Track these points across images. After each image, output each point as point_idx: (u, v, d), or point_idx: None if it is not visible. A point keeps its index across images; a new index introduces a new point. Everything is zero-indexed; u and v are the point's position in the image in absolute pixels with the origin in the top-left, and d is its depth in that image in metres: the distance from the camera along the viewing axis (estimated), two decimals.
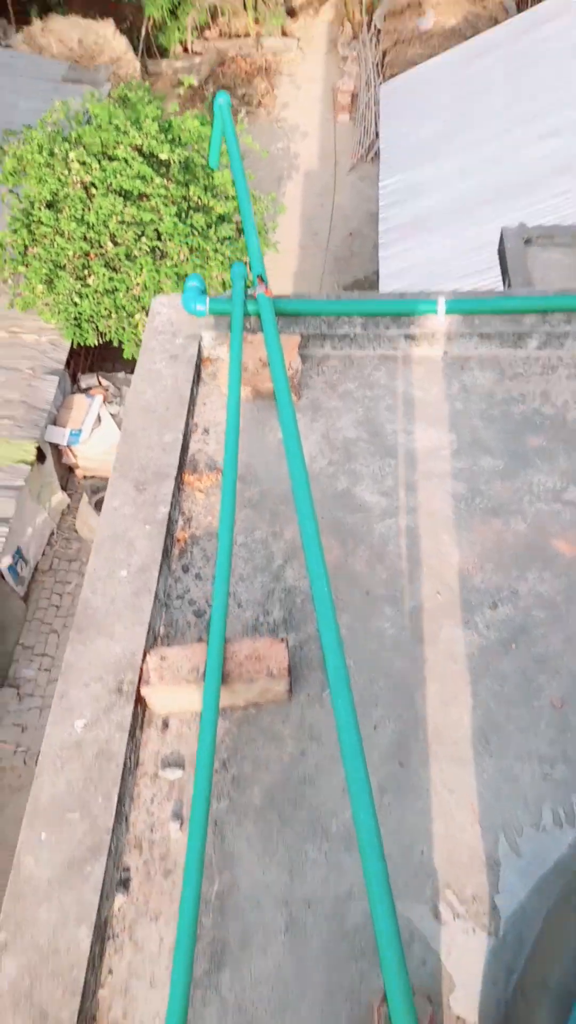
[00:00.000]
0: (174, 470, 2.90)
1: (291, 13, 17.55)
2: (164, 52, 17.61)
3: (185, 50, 17.52)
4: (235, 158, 3.59)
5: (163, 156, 9.53)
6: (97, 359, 11.41)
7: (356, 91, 15.50)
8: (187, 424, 3.13)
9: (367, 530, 2.87)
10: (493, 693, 2.45)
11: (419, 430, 3.20)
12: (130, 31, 16.86)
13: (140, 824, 2.27)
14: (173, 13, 17.02)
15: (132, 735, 2.32)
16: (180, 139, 9.84)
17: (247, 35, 17.26)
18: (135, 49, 16.62)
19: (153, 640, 2.57)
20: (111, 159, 9.56)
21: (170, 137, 9.75)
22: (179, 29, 17.18)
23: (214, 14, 17.27)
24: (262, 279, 3.18)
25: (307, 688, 2.48)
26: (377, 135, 13.47)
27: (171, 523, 2.81)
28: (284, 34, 17.56)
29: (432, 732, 2.38)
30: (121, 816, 2.23)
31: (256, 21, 17.11)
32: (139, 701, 2.39)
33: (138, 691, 2.36)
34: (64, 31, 15.41)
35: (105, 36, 15.72)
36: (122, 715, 2.30)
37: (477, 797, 2.27)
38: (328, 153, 15.00)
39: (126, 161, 9.42)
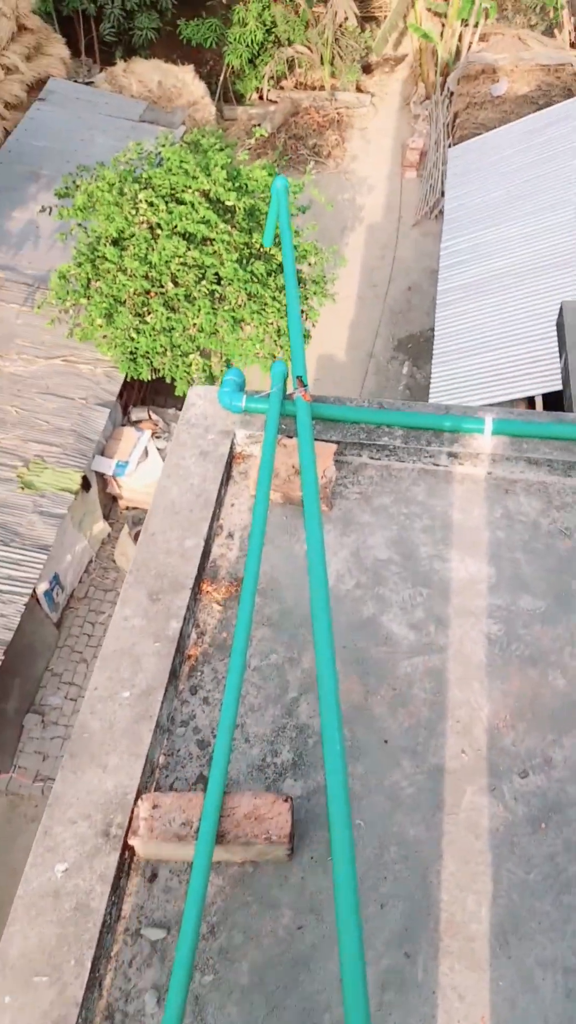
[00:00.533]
0: (191, 580, 2.77)
1: (367, 69, 17.96)
2: (240, 99, 18.15)
3: (261, 98, 18.02)
4: (287, 242, 3.60)
5: (229, 203, 9.74)
6: (150, 392, 11.60)
7: (425, 149, 15.72)
8: (211, 527, 3.03)
9: (391, 667, 2.66)
10: (517, 882, 2.17)
11: (455, 558, 3.01)
12: (209, 76, 17.45)
13: (115, 991, 2.07)
14: (252, 62, 17.57)
15: (115, 887, 2.15)
16: (247, 187, 10.05)
17: (322, 88, 17.69)
18: (212, 94, 17.16)
19: (150, 772, 2.39)
20: (179, 202, 9.80)
21: (237, 184, 9.96)
22: (257, 77, 17.70)
23: (292, 65, 17.76)
24: (302, 381, 3.16)
25: (311, 848, 2.23)
26: (443, 194, 13.60)
27: (183, 639, 2.67)
28: (359, 89, 17.95)
29: (445, 922, 2.12)
30: (94, 982, 2.04)
31: (332, 75, 17.54)
32: (126, 848, 2.21)
33: (125, 839, 2.18)
34: (145, 73, 15.99)
35: (184, 80, 16.27)
36: (106, 864, 2.12)
37: (490, 1008, 1.99)
38: (393, 208, 15.18)
39: (193, 205, 9.65)
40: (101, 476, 10.40)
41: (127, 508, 11.07)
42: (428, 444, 3.26)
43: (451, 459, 3.28)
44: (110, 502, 11.07)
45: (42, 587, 9.31)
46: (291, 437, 3.18)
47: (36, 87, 15.49)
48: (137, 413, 10.84)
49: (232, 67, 17.39)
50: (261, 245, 10.05)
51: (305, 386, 3.14)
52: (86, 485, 9.94)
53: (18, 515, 8.96)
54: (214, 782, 2.05)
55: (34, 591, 9.12)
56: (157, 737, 2.42)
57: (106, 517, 10.90)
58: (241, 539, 3.10)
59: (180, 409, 11.13)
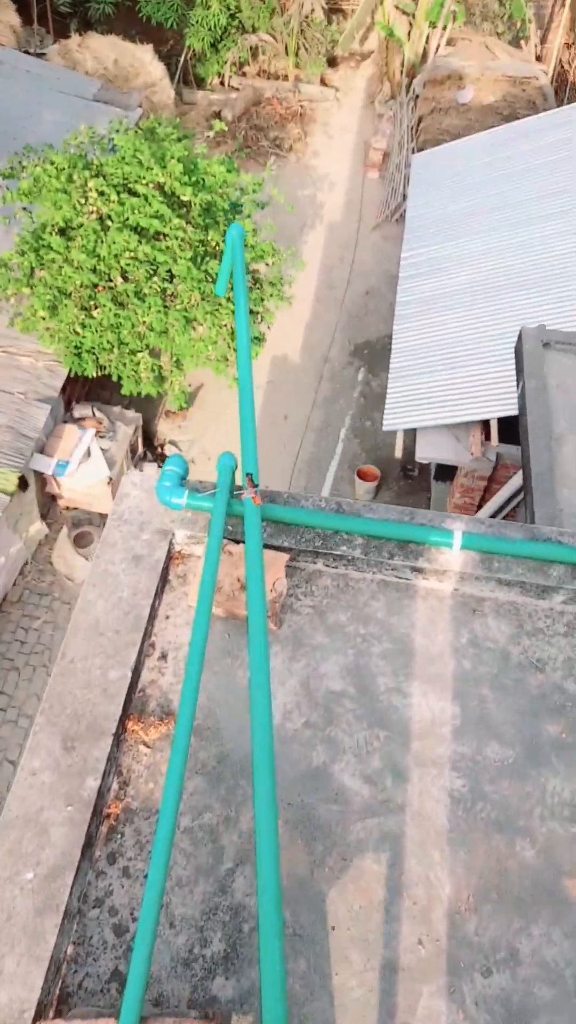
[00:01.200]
0: (115, 723, 2.39)
1: (331, 63, 17.61)
2: (201, 83, 17.58)
3: (222, 83, 17.49)
4: (240, 296, 3.31)
5: (184, 197, 9.33)
6: (95, 386, 11.10)
7: (388, 150, 15.49)
8: (141, 649, 2.66)
9: (342, 831, 2.33)
10: None
11: (417, 691, 2.72)
12: (168, 57, 16.83)
13: None
14: (214, 46, 17.01)
15: None
16: (204, 182, 9.65)
17: (286, 78, 17.27)
18: (172, 76, 16.57)
19: (55, 972, 2.01)
20: (132, 193, 9.34)
21: (194, 179, 9.55)
22: (219, 62, 17.16)
23: (255, 52, 17.28)
24: (252, 480, 2.83)
25: None
26: (404, 197, 13.41)
27: (101, 797, 2.28)
28: (323, 83, 17.60)
29: None
30: None
31: (297, 66, 17.14)
32: None
33: None
34: (101, 49, 15.29)
35: (142, 60, 15.63)
36: None
37: None
38: (353, 208, 14.93)
39: (146, 198, 9.20)
40: (40, 475, 9.90)
41: (67, 508, 10.59)
42: (391, 556, 2.96)
43: (415, 573, 2.99)
44: (49, 501, 10.58)
45: None
46: (238, 542, 2.85)
47: None
48: (80, 410, 10.36)
49: (193, 50, 16.81)
50: (216, 243, 9.68)
51: (256, 486, 2.82)
52: (23, 484, 9.44)
53: None
54: (129, 1007, 1.68)
55: None
56: (65, 927, 2.05)
57: (44, 517, 10.41)
58: (176, 661, 2.73)
59: (127, 408, 10.74)
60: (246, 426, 3.00)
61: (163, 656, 2.78)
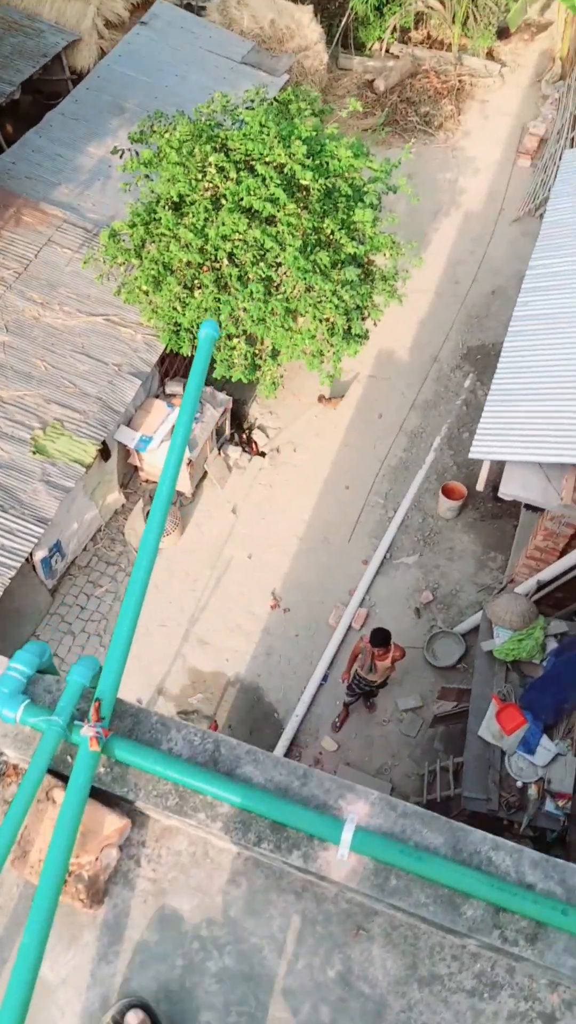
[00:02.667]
0: None
1: (502, 34, 16.31)
2: (360, 48, 16.79)
3: (383, 50, 16.62)
4: (189, 399, 2.97)
5: (304, 181, 8.91)
6: (189, 364, 11.01)
7: (546, 136, 14.28)
8: None
9: None
10: None
11: None
12: (332, 18, 16.14)
13: None
14: (379, 9, 16.14)
15: None
16: (328, 166, 9.17)
17: (449, 48, 16.19)
18: (331, 39, 15.90)
19: None
20: (251, 171, 9.02)
21: (317, 162, 9.10)
22: (381, 27, 16.29)
23: (420, 19, 16.28)
24: (99, 709, 2.38)
25: None
26: None
27: None
28: (490, 56, 16.38)
29: None
30: None
31: (463, 36, 16.00)
32: None
33: None
34: (259, 7, 14.82)
35: (300, 21, 15.05)
36: None
37: None
38: (496, 197, 13.92)
39: (264, 179, 8.86)
40: (124, 445, 9.98)
41: (146, 481, 10.67)
42: (258, 841, 2.28)
43: (288, 856, 2.31)
44: (130, 471, 10.69)
45: (40, 554, 9.05)
46: (60, 788, 2.36)
47: (142, 6, 14.56)
48: (172, 386, 10.32)
49: (356, 12, 16.01)
50: (332, 232, 9.23)
51: (102, 719, 2.32)
52: (105, 454, 9.55)
53: (24, 480, 8.64)
54: None
55: (30, 556, 8.87)
56: None
57: (124, 486, 10.53)
58: None
59: (219, 389, 10.60)
60: (120, 636, 2.49)
61: None
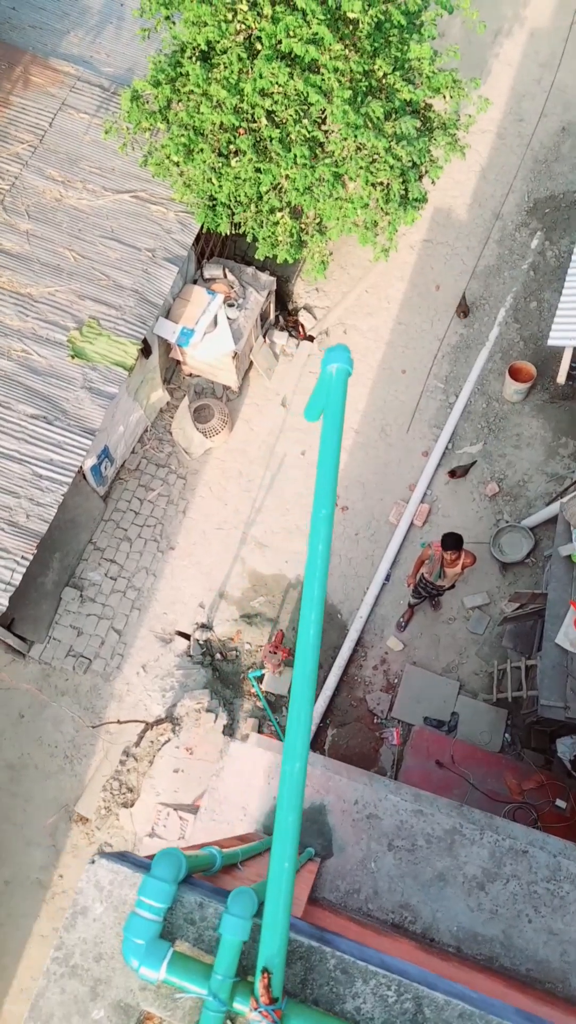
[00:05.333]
0: None
1: None
2: None
3: None
4: (329, 455, 2.35)
5: (352, 14, 7.55)
6: (229, 241, 10.06)
7: None
8: None
9: None
10: None
11: None
12: None
13: None
14: None
15: None
16: None
17: None
18: None
19: None
20: (290, 5, 7.67)
21: None
22: None
23: None
24: (270, 984, 1.79)
25: None
26: None
27: None
28: None
29: None
30: None
31: None
32: None
33: None
34: None
35: None
36: None
37: None
38: (567, 8, 11.88)
39: (304, 13, 7.52)
40: (164, 339, 9.33)
41: (190, 375, 10.08)
42: None
43: None
44: (173, 365, 10.08)
45: (89, 462, 8.73)
46: None
47: None
48: (211, 269, 9.45)
49: None
50: (384, 74, 7.94)
51: (276, 1000, 1.75)
52: (146, 351, 8.95)
53: (66, 388, 8.16)
54: None
55: (80, 467, 8.56)
56: None
57: (167, 382, 9.98)
58: None
59: (261, 269, 9.69)
60: (275, 885, 1.87)
61: None
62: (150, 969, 1.91)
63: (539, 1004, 3.50)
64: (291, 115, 7.79)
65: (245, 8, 7.67)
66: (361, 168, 8.04)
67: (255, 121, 7.96)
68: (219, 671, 8.83)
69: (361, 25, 7.71)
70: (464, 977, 3.23)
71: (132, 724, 8.54)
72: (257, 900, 2.02)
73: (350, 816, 5.07)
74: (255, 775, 5.28)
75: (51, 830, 8.25)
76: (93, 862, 2.08)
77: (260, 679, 8.74)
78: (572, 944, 4.75)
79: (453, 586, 7.93)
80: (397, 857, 4.96)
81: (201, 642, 8.89)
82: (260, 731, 8.53)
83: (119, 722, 8.55)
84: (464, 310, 9.90)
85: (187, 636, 8.94)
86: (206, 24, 7.69)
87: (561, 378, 7.70)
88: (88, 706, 8.67)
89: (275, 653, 8.58)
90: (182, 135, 8.05)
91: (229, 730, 8.38)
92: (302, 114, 7.83)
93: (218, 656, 8.91)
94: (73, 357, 8.28)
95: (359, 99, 7.80)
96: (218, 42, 7.74)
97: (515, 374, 9.36)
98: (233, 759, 5.37)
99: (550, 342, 7.07)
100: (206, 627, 8.99)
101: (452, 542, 7.08)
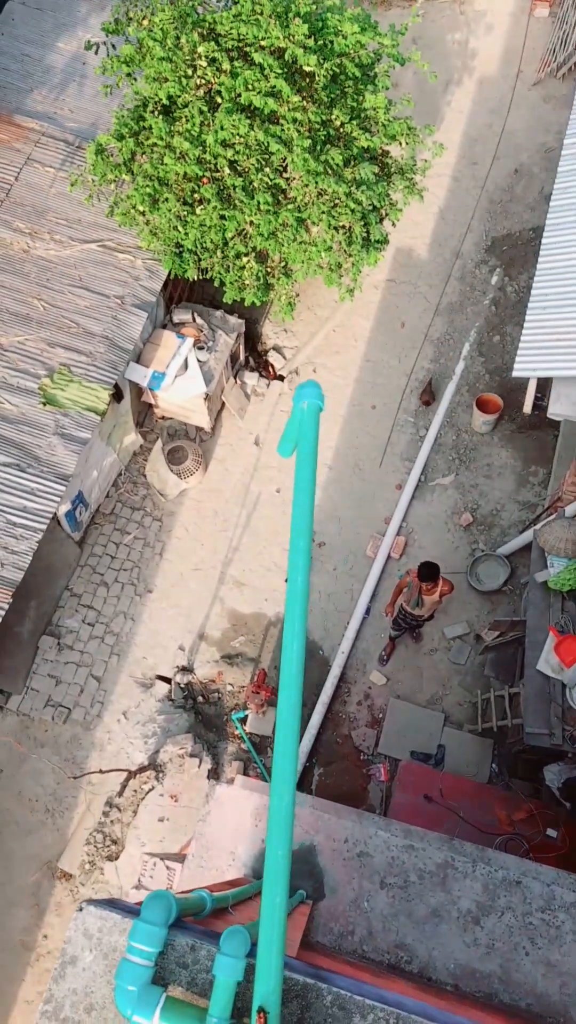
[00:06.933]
0: None
1: None
2: None
3: None
4: (303, 494, 2.42)
5: (308, 68, 7.86)
6: (197, 286, 10.23)
7: None
8: None
9: None
10: None
11: None
12: None
13: None
14: None
15: None
16: (332, 45, 8.06)
17: None
18: None
19: None
20: (247, 61, 7.95)
21: (320, 42, 7.99)
22: None
23: None
24: (264, 1016, 1.78)
25: None
26: None
27: None
28: None
29: None
30: None
31: None
32: None
33: None
34: None
35: None
36: None
37: None
38: (512, 57, 12.46)
39: (262, 68, 7.81)
40: (136, 383, 9.39)
41: (162, 418, 10.14)
42: None
43: None
44: (145, 409, 10.14)
45: (64, 508, 8.69)
46: None
47: None
48: (180, 314, 9.59)
49: None
50: (342, 123, 8.23)
51: None
52: (118, 395, 9.00)
53: (38, 436, 8.16)
54: None
55: (54, 513, 8.51)
56: None
57: (139, 425, 10.02)
58: None
59: (230, 312, 9.84)
60: (267, 937, 1.80)
61: None
62: (143, 1017, 1.85)
63: None
64: (253, 164, 8.02)
65: (204, 64, 7.95)
66: (323, 212, 8.27)
67: (218, 170, 8.17)
68: (202, 714, 8.71)
69: (317, 78, 8.00)
70: (466, 1015, 3.17)
71: (114, 773, 8.36)
72: (250, 939, 1.98)
73: (340, 855, 4.99)
74: (243, 818, 5.19)
75: (34, 888, 7.98)
76: (81, 909, 2.03)
77: (244, 720, 8.63)
78: (571, 976, 4.68)
79: (432, 616, 7.95)
80: (390, 895, 4.88)
81: (182, 685, 8.78)
82: (246, 773, 8.40)
83: (101, 771, 8.37)
84: (427, 399, 10.02)
85: (168, 680, 8.83)
86: (167, 80, 7.94)
87: (527, 408, 7.87)
88: (69, 756, 8.48)
89: (258, 693, 8.49)
90: (147, 186, 8.24)
91: (214, 774, 8.23)
92: (264, 163, 8.06)
93: (200, 699, 8.80)
94: (45, 404, 8.30)
95: (318, 147, 8.07)
96: (179, 96, 7.98)
97: (482, 406, 9.55)
98: (219, 803, 5.27)
99: (515, 373, 7.24)
100: (187, 670, 8.89)
101: (428, 573, 7.11)
